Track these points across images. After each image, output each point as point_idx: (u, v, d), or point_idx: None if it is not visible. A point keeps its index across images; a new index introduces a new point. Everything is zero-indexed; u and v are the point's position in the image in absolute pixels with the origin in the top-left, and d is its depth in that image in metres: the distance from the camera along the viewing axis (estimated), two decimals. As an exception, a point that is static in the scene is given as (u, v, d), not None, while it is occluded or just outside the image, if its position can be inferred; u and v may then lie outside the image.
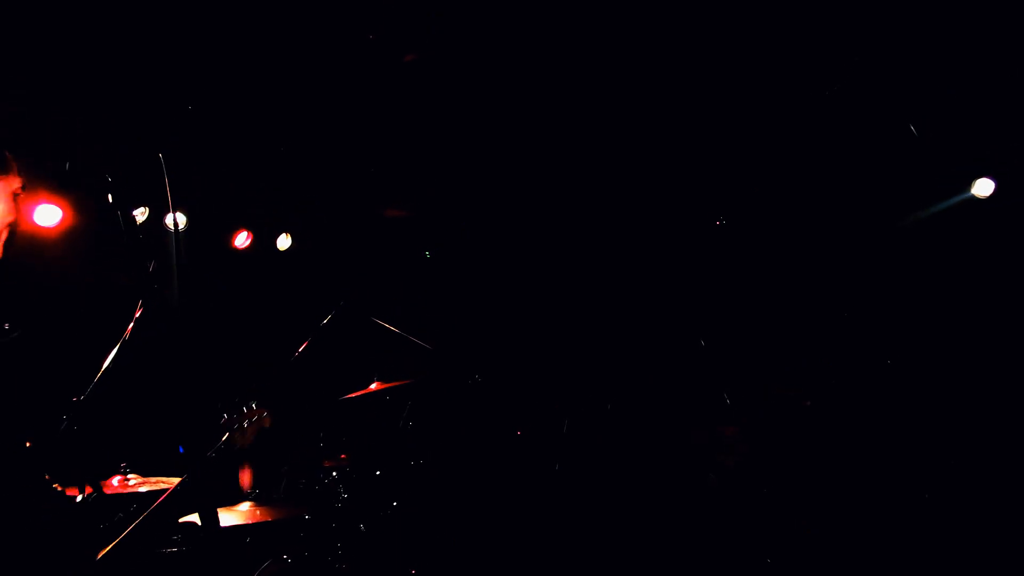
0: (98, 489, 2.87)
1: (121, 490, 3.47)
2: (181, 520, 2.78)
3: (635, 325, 5.94)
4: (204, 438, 2.88)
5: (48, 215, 4.09)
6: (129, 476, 3.58)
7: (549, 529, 4.77)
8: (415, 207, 6.37)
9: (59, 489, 2.44)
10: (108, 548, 2.59)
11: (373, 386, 4.79)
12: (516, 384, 5.90)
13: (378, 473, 4.79)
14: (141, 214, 4.60)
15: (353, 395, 4.82)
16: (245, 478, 3.77)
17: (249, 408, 3.04)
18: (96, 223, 4.16)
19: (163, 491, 3.42)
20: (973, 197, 5.27)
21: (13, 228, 2.35)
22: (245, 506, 3.90)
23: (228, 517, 3.78)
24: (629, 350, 5.91)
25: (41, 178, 2.45)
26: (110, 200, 2.51)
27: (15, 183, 2.31)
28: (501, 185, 6.15)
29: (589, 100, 5.28)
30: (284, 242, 5.69)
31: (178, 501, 2.66)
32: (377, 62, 4.77)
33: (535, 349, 6.12)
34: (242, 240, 5.40)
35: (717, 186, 5.77)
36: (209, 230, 5.23)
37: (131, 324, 3.36)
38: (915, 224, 5.49)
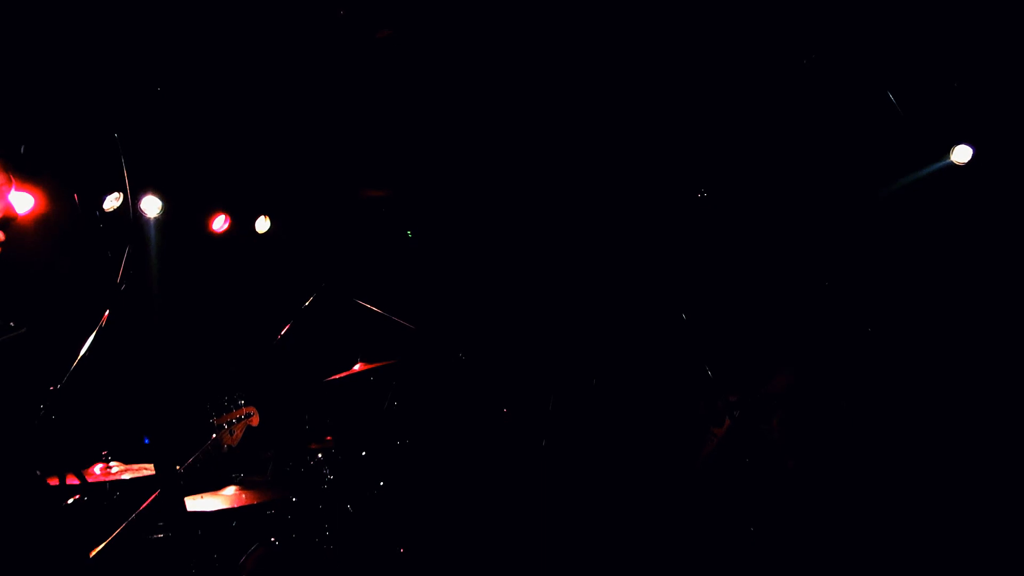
0: (81, 478, 2.86)
1: (104, 478, 3.46)
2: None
3: (619, 299, 5.94)
4: (185, 432, 2.88)
5: (21, 202, 4.03)
6: (111, 464, 3.57)
7: (536, 508, 4.79)
8: (394, 186, 6.32)
9: (46, 482, 2.43)
10: (100, 547, 2.60)
11: (357, 367, 4.78)
12: (501, 362, 5.90)
13: (364, 454, 4.80)
14: (115, 199, 4.53)
15: (337, 376, 4.81)
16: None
17: (236, 407, 3.06)
18: (69, 210, 4.10)
19: (144, 477, 3.43)
20: (952, 164, 5.28)
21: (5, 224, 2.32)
22: (231, 490, 3.89)
23: (214, 501, 3.77)
24: (614, 325, 5.91)
25: (10, 167, 2.40)
26: (76, 194, 2.48)
27: None
28: (481, 161, 6.10)
29: (568, 74, 5.23)
30: (263, 224, 5.63)
31: (165, 499, 2.67)
32: (353, 38, 4.71)
33: (519, 326, 6.12)
34: (220, 224, 5.34)
35: (696, 158, 5.75)
36: (186, 214, 5.17)
37: (107, 311, 3.33)
38: (896, 193, 5.50)
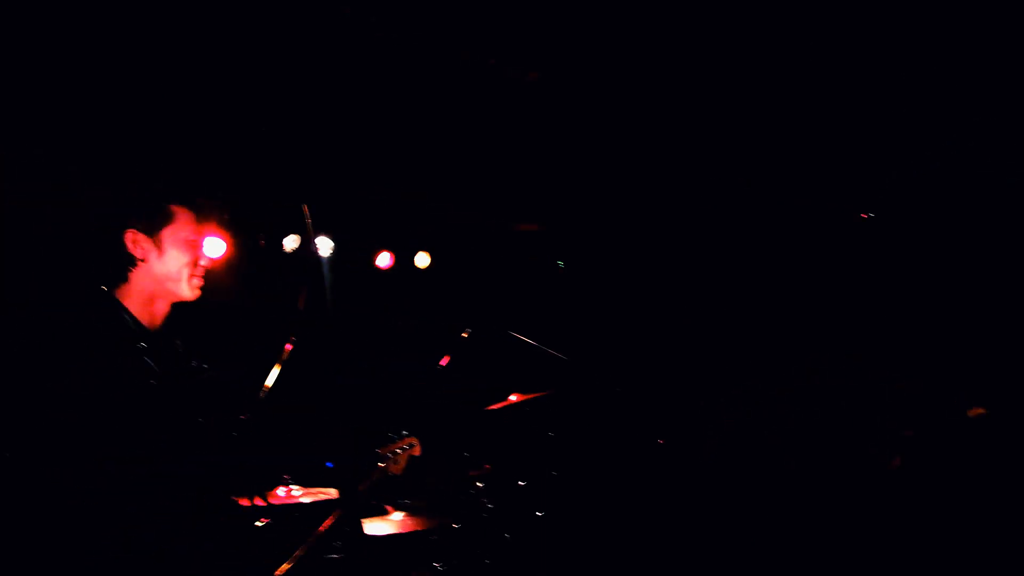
0: (265, 500, 3.10)
1: (286, 500, 3.75)
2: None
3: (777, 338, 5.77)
4: (358, 460, 3.07)
5: (213, 248, 4.47)
6: (293, 487, 3.85)
7: (699, 535, 4.69)
8: (546, 219, 6.47)
9: (235, 501, 2.68)
10: (286, 565, 2.82)
11: (513, 398, 4.91)
12: (656, 392, 5.86)
13: (521, 483, 4.90)
14: (294, 241, 4.93)
15: (494, 407, 4.95)
16: None
17: (400, 438, 3.25)
18: (254, 254, 4.50)
19: (323, 501, 3.68)
20: None
21: (204, 272, 2.59)
22: (398, 516, 4.10)
23: (382, 526, 3.98)
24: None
25: (207, 218, 2.68)
26: (261, 239, 2.72)
27: (184, 231, 2.53)
28: (630, 194, 6.14)
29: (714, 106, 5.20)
30: (423, 260, 5.93)
31: (342, 522, 2.86)
32: (502, 81, 4.90)
33: (672, 356, 6.06)
34: (384, 260, 5.67)
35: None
36: (354, 253, 5.53)
37: (288, 345, 3.62)
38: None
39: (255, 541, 2.88)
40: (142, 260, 2.42)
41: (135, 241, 2.42)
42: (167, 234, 2.47)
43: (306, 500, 3.72)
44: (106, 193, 2.47)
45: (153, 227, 2.45)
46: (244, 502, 3.10)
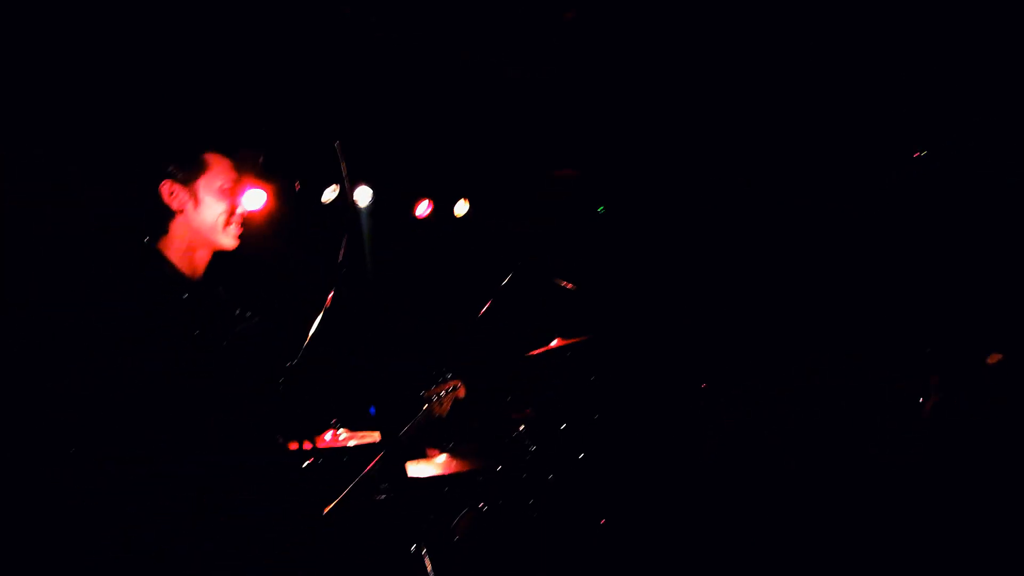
0: (313, 444, 3.18)
1: (333, 444, 3.85)
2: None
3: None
4: (402, 403, 3.14)
5: (254, 199, 4.52)
6: (340, 431, 3.95)
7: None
8: (584, 166, 6.41)
9: (285, 445, 2.75)
10: (333, 504, 2.91)
11: (554, 343, 4.94)
12: (697, 336, 5.84)
13: (563, 426, 4.96)
14: (332, 191, 4.95)
15: (536, 352, 4.99)
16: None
17: (444, 380, 3.31)
18: (294, 204, 4.54)
19: (369, 444, 3.77)
20: None
21: (243, 221, 2.61)
22: (442, 458, 4.19)
23: (427, 468, 4.08)
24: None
25: (243, 167, 2.70)
26: (298, 188, 2.72)
27: (219, 180, 2.54)
28: (673, 136, 6.06)
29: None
30: (461, 208, 5.93)
31: (387, 463, 2.94)
32: (541, 22, 4.83)
33: (716, 299, 6.02)
34: (423, 209, 5.68)
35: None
36: (393, 202, 5.55)
37: (330, 294, 3.67)
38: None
39: (304, 483, 2.96)
40: (180, 211, 2.46)
41: (172, 192, 2.45)
42: (203, 183, 2.50)
43: (352, 444, 3.82)
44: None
45: (188, 177, 2.48)
46: (293, 446, 3.19)
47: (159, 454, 2.17)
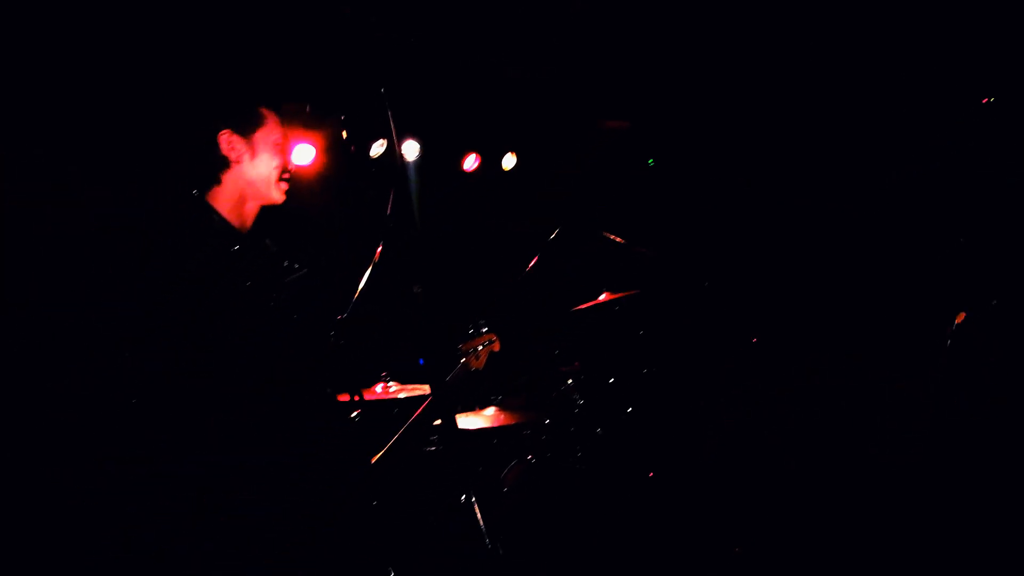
0: (361, 396, 3.23)
1: (384, 396, 3.90)
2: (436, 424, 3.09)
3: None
4: (444, 356, 3.15)
5: (303, 154, 4.55)
6: (390, 383, 4.01)
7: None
8: (634, 117, 6.30)
9: (336, 398, 2.79)
10: (380, 454, 2.96)
11: (603, 297, 4.91)
12: (748, 290, 5.75)
13: (611, 380, 4.95)
14: (380, 146, 4.95)
15: (583, 306, 4.97)
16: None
17: (481, 334, 3.32)
18: (342, 159, 4.56)
19: (419, 396, 3.82)
20: None
21: (291, 176, 2.64)
22: (491, 411, 4.22)
23: (476, 420, 4.12)
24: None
25: (292, 122, 2.72)
26: (345, 136, 2.71)
27: (275, 134, 2.57)
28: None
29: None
30: (510, 161, 5.88)
31: (430, 414, 2.97)
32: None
33: (762, 251, 5.91)
34: (471, 163, 5.66)
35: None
36: (441, 156, 5.53)
37: (379, 248, 3.69)
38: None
39: (353, 431, 3.01)
40: (236, 162, 2.48)
41: (230, 143, 2.47)
42: (259, 136, 2.52)
43: (402, 396, 3.87)
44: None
45: (247, 129, 2.50)
46: (343, 398, 3.24)
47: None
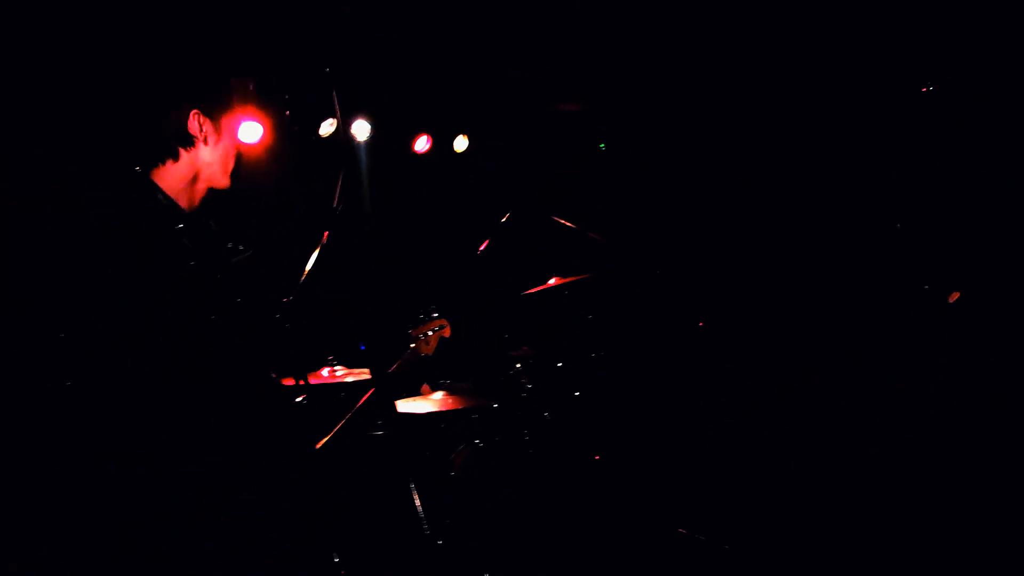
0: (306, 380, 3.19)
1: (330, 380, 3.86)
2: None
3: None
4: (392, 341, 3.13)
5: (250, 132, 4.44)
6: (336, 367, 3.97)
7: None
8: (587, 100, 6.30)
9: (279, 381, 2.75)
10: (325, 439, 2.93)
11: (552, 281, 4.92)
12: (696, 275, 5.82)
13: (560, 365, 4.98)
14: (330, 125, 4.86)
15: (533, 291, 4.98)
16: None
17: (430, 319, 3.30)
18: (289, 138, 4.47)
19: (365, 381, 3.79)
20: None
21: (239, 154, 2.58)
22: (439, 395, 4.21)
23: (424, 405, 4.10)
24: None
25: (240, 99, 2.64)
26: (288, 116, 2.66)
27: (237, 119, 2.51)
28: (676, 72, 5.95)
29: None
30: (461, 144, 5.83)
31: (378, 399, 2.94)
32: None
33: (712, 240, 5.99)
34: (422, 144, 5.59)
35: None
36: (392, 137, 5.45)
37: (327, 230, 3.64)
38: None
39: (297, 416, 2.98)
40: (201, 142, 2.42)
41: (200, 123, 2.41)
42: (225, 121, 2.48)
43: (348, 380, 3.83)
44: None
45: (217, 111, 2.45)
46: (288, 382, 3.19)
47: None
